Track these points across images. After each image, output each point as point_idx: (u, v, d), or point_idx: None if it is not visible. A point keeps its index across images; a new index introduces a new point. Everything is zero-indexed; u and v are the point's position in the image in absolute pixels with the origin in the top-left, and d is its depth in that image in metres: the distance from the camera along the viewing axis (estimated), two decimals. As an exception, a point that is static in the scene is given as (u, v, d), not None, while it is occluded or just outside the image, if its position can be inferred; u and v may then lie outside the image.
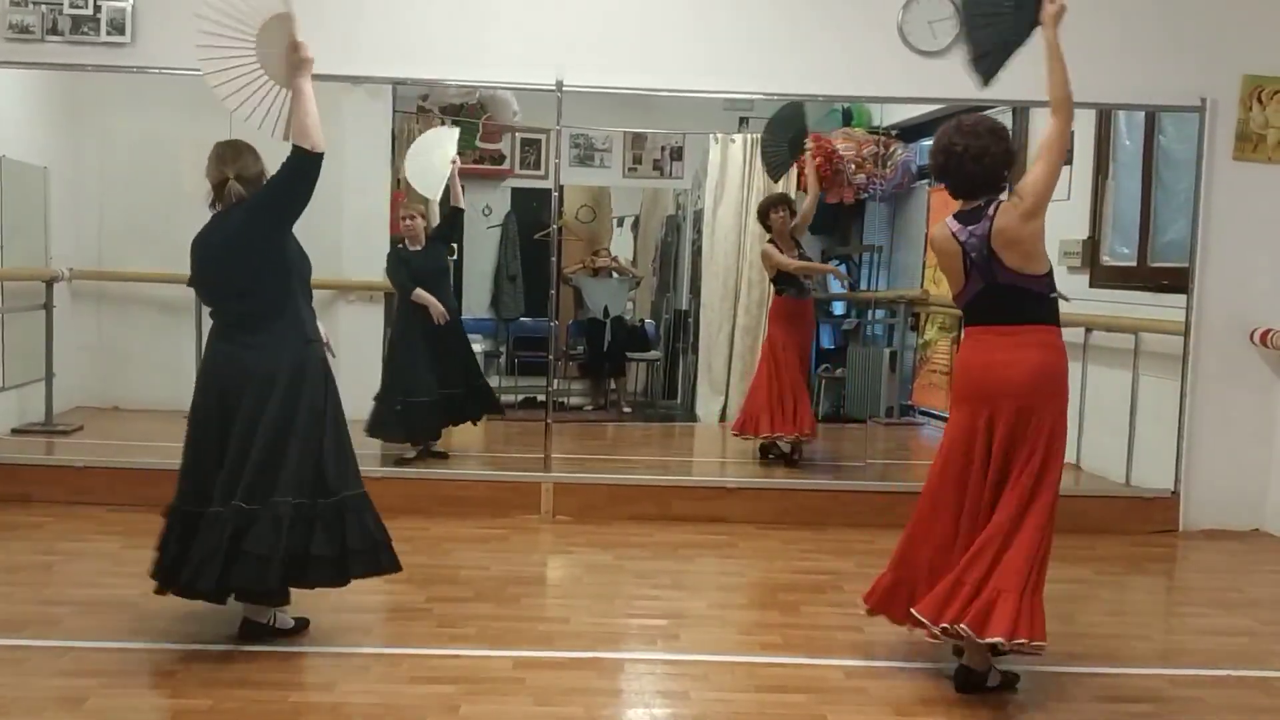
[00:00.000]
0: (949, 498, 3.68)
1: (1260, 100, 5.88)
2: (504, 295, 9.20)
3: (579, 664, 3.82)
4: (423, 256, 6.79)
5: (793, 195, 8.11)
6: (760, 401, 6.86)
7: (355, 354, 7.28)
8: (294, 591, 3.89)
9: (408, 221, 6.81)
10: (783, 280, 6.95)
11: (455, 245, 7.62)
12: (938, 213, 8.26)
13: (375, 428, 6.58)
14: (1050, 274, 3.67)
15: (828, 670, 3.85)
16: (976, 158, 3.58)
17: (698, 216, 8.79)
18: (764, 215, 7.00)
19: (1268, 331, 5.84)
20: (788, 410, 6.76)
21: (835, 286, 8.87)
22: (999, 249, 3.56)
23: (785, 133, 7.08)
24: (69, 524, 5.21)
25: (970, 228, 3.62)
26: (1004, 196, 3.65)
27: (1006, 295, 3.60)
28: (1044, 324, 3.65)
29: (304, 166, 3.83)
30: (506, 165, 9.12)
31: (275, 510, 3.64)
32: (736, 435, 7.02)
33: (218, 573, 3.62)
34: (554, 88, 5.88)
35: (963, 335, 3.84)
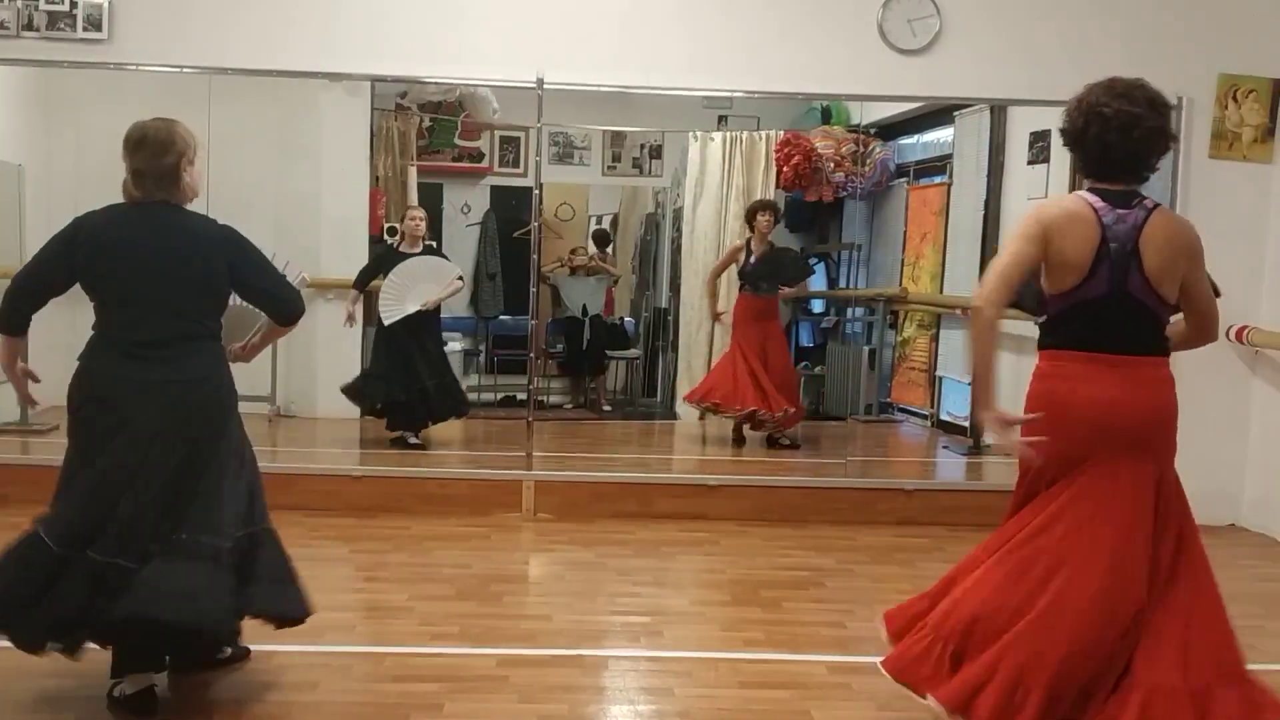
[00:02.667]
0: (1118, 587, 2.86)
1: (1235, 99, 5.94)
2: (483, 293, 9.18)
3: (562, 661, 3.82)
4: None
5: (773, 192, 8.19)
6: (715, 378, 7.26)
7: (333, 350, 7.29)
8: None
9: (414, 221, 6.88)
10: (742, 277, 7.28)
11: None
12: (917, 211, 8.30)
13: (352, 392, 6.89)
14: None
15: (811, 666, 3.86)
16: (1125, 128, 2.89)
17: (677, 214, 8.80)
18: (750, 216, 7.29)
19: (1243, 328, 5.89)
20: (741, 388, 7.04)
21: (818, 283, 8.90)
22: (1147, 249, 2.88)
23: None
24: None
25: (1120, 211, 2.91)
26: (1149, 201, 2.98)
27: (1134, 313, 2.92)
28: (1162, 355, 3.01)
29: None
30: (486, 163, 9.11)
31: (215, 550, 3.22)
32: (686, 401, 7.54)
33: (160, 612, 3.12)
34: (535, 85, 5.87)
35: (1041, 359, 3.04)
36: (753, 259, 7.21)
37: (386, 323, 6.70)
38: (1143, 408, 2.94)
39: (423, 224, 6.91)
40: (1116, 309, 2.90)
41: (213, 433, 3.30)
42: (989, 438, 2.89)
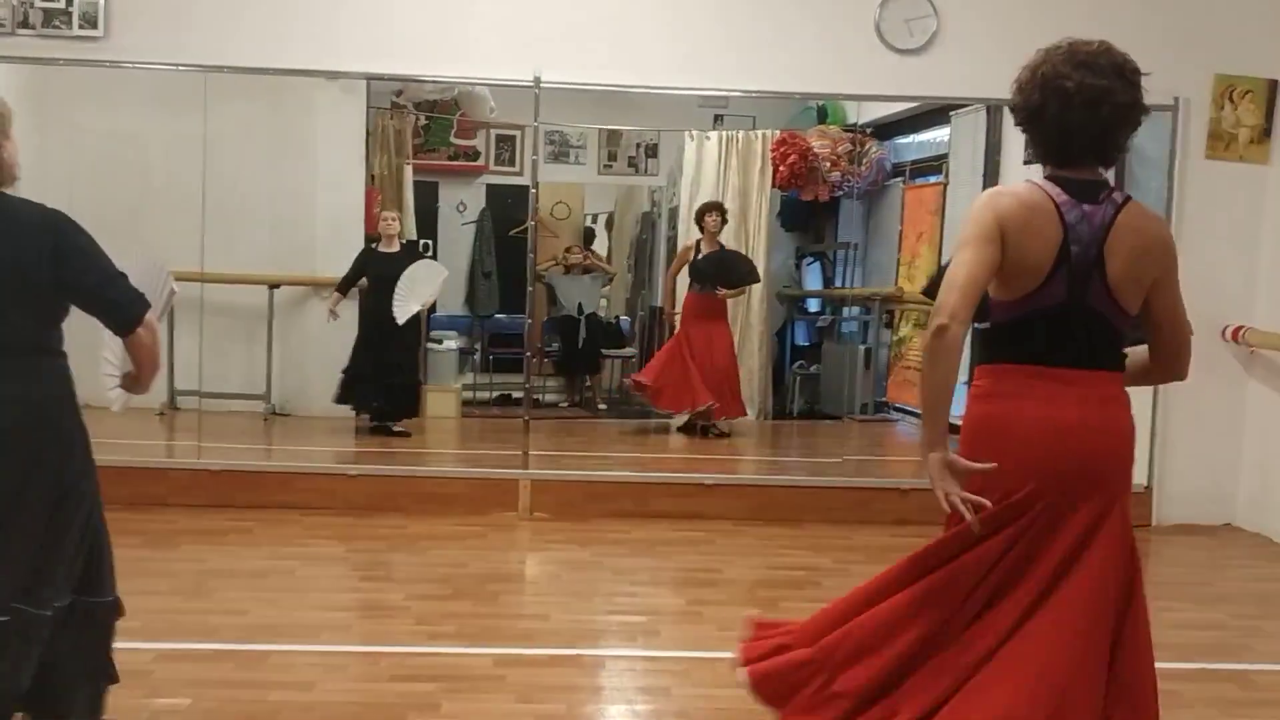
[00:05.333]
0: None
1: (1232, 99, 5.94)
2: (479, 292, 9.18)
3: (559, 661, 3.81)
4: (388, 260, 7.12)
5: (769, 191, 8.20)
6: (663, 376, 7.54)
7: (328, 349, 7.28)
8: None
9: (386, 223, 7.22)
10: (690, 274, 7.64)
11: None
12: (912, 210, 8.30)
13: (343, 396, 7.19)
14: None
15: (808, 666, 3.85)
16: (1091, 104, 2.42)
17: (673, 214, 8.80)
18: (699, 217, 7.64)
19: (1239, 328, 5.90)
20: (683, 388, 7.41)
21: (813, 282, 8.91)
22: (1113, 256, 2.42)
23: None
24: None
25: (1086, 207, 2.43)
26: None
27: (1090, 326, 2.45)
28: (1119, 370, 2.52)
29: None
30: (481, 161, 9.10)
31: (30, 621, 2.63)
32: (631, 380, 7.92)
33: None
34: (532, 84, 5.86)
35: (978, 375, 2.57)
36: (700, 257, 7.55)
37: (401, 321, 7.03)
38: (1102, 430, 2.45)
39: (395, 223, 7.24)
40: (1072, 320, 2.43)
41: (40, 473, 2.61)
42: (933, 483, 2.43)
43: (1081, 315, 2.44)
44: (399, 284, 7.00)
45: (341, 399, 7.17)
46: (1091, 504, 2.43)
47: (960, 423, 2.57)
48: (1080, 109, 2.41)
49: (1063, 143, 2.47)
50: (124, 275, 2.67)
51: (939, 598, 2.53)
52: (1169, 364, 2.58)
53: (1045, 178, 2.50)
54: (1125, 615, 2.49)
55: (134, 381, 2.77)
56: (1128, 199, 2.48)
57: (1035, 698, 2.36)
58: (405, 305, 7.02)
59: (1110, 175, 2.62)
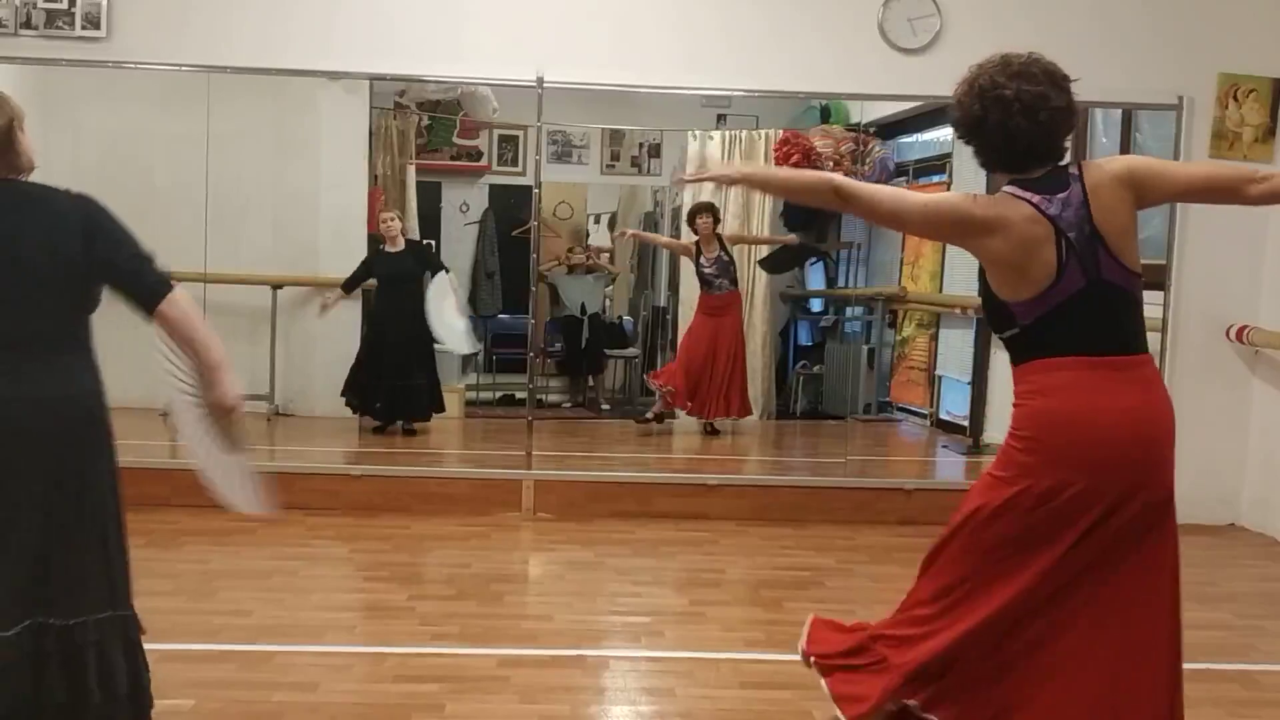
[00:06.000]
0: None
1: (1236, 98, 5.93)
2: (482, 292, 9.17)
3: (563, 661, 3.81)
4: (394, 260, 7.16)
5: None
6: (684, 380, 7.56)
7: (332, 349, 7.29)
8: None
9: (385, 224, 7.23)
10: (697, 279, 7.64)
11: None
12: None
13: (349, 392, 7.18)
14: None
15: (812, 666, 3.84)
16: (1030, 110, 2.55)
17: (676, 214, 8.79)
18: (690, 220, 7.69)
19: (1244, 328, 5.89)
20: (701, 394, 7.46)
21: (816, 282, 8.90)
22: (1104, 224, 2.53)
23: None
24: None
25: (1059, 196, 2.55)
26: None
27: (1114, 301, 2.55)
28: (1148, 352, 2.64)
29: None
30: (484, 162, 9.09)
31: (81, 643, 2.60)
32: (648, 378, 8.00)
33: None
34: (534, 84, 5.85)
35: (1021, 376, 2.64)
36: (703, 259, 7.55)
37: (468, 349, 7.55)
38: (1159, 415, 2.60)
39: (394, 223, 7.25)
40: (1095, 303, 2.54)
41: (75, 473, 2.57)
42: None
43: (1102, 294, 2.53)
44: (432, 321, 6.98)
45: (348, 399, 7.15)
46: (1149, 493, 2.58)
47: (1010, 429, 2.69)
48: (1020, 115, 2.54)
49: (1009, 148, 2.60)
50: (154, 256, 2.65)
51: (1000, 588, 2.63)
52: (1234, 189, 2.60)
53: (1009, 186, 2.62)
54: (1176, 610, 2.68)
55: (205, 386, 2.65)
56: (1080, 166, 2.60)
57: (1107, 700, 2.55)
58: (452, 329, 7.04)
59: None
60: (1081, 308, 2.53)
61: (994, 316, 2.68)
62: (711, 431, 7.60)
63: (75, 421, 2.59)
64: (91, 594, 2.62)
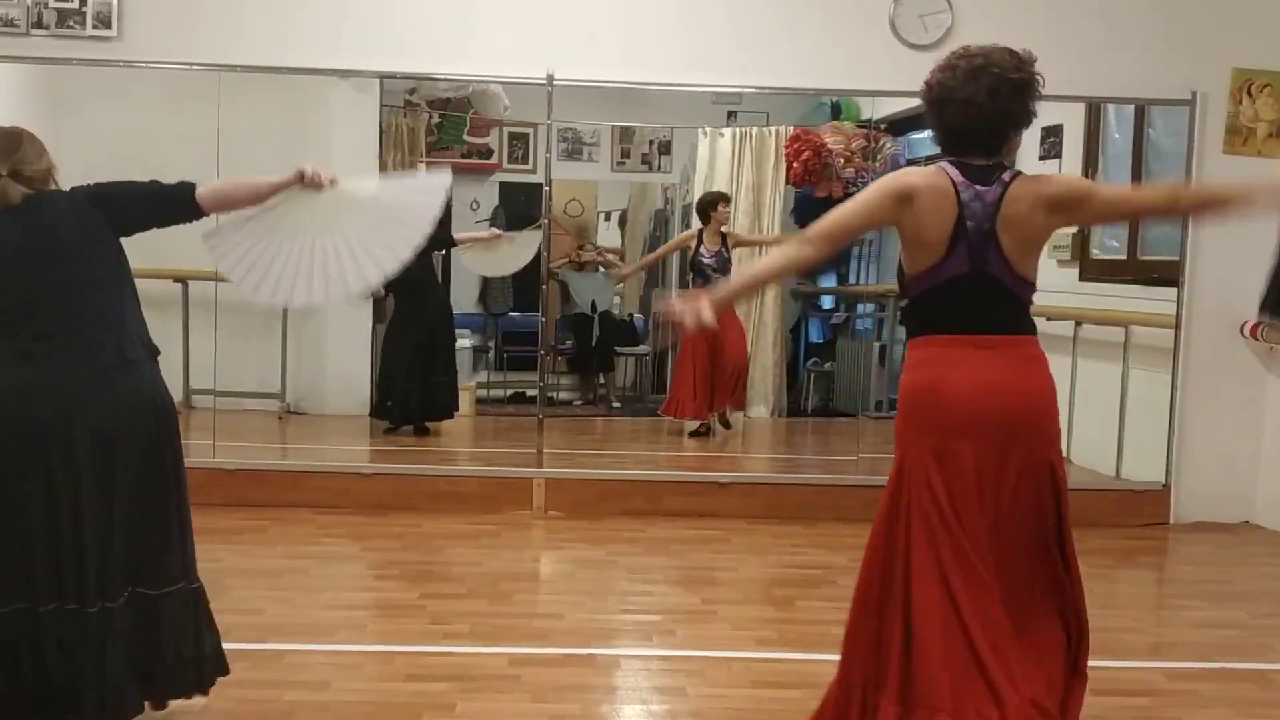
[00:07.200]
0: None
1: (1250, 94, 5.89)
2: (492, 290, 9.15)
3: (574, 660, 3.81)
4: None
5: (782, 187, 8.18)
6: (685, 388, 7.45)
7: (343, 347, 7.30)
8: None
9: None
10: (691, 270, 7.55)
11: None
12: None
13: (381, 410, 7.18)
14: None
15: (823, 665, 3.80)
16: (975, 75, 2.67)
17: (686, 210, 8.77)
18: (711, 206, 7.54)
19: (1257, 325, 5.85)
20: (702, 395, 7.35)
21: (827, 279, 8.87)
22: (1005, 231, 2.67)
23: None
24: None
25: (979, 188, 2.68)
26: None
27: (997, 292, 2.71)
28: (1031, 334, 2.79)
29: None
30: (495, 159, 9.09)
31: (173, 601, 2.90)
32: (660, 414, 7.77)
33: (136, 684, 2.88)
34: (545, 82, 5.85)
35: (908, 350, 2.83)
36: (704, 249, 7.43)
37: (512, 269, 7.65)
38: (1023, 389, 2.71)
39: None
40: (979, 288, 2.68)
41: (162, 449, 2.84)
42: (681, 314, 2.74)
43: (986, 283, 2.68)
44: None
45: (382, 413, 7.13)
46: (1016, 458, 2.68)
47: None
48: (966, 81, 2.66)
49: (951, 135, 2.73)
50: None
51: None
52: (1160, 215, 3.11)
53: (948, 162, 2.74)
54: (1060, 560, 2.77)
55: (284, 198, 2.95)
56: (1016, 174, 2.71)
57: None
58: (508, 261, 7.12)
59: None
60: (960, 292, 2.69)
61: (899, 284, 2.87)
62: (705, 433, 7.54)
63: (160, 399, 2.85)
64: (173, 567, 2.87)
